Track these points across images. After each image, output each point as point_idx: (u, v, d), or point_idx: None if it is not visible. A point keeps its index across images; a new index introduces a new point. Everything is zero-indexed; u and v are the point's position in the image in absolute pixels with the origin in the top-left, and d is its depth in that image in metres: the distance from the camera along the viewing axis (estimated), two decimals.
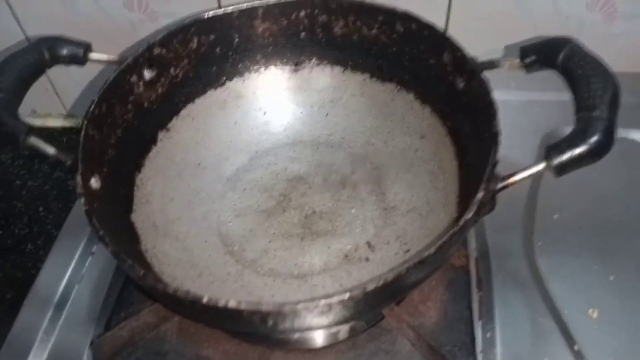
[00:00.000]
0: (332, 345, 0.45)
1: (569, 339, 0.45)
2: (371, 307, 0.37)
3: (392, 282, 0.34)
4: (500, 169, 0.39)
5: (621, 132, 0.58)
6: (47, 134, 0.81)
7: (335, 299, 0.33)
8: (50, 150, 0.42)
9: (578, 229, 0.52)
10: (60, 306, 0.50)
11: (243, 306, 0.33)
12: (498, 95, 0.62)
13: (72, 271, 0.52)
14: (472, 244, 0.51)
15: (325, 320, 0.35)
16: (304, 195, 0.52)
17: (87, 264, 0.53)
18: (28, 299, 0.51)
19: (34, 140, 0.42)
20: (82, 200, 0.39)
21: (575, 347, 0.45)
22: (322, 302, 0.33)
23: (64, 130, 0.81)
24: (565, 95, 0.42)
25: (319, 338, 0.46)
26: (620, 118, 0.60)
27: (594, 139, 0.36)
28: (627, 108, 0.61)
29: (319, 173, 0.54)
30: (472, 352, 0.44)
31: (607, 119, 0.37)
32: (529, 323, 0.46)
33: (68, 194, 0.72)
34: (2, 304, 0.60)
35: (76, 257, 0.53)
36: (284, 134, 0.57)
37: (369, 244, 0.48)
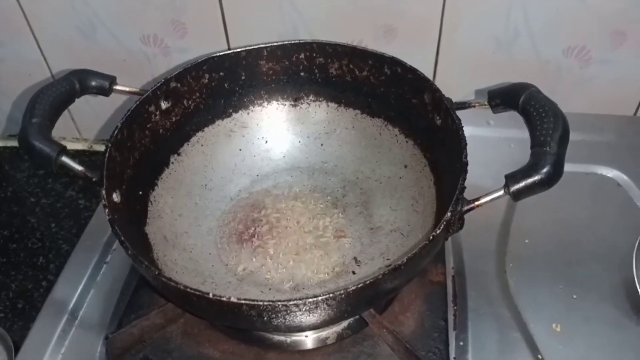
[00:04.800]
0: (321, 348, 0.52)
1: (534, 349, 0.52)
2: (353, 308, 0.44)
3: (370, 284, 0.41)
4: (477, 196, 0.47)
5: (590, 168, 0.68)
6: None
7: (321, 298, 0.40)
8: (79, 168, 0.50)
9: (546, 253, 0.60)
10: (76, 309, 0.58)
11: (243, 301, 0.40)
12: (478, 132, 0.72)
13: (87, 278, 0.59)
14: (450, 263, 0.59)
15: (313, 318, 0.42)
16: (299, 214, 0.60)
17: (101, 272, 0.60)
18: (47, 303, 0.58)
19: (65, 160, 0.50)
20: (106, 210, 0.47)
21: (539, 357, 0.52)
22: (310, 299, 0.40)
23: (76, 153, 0.90)
24: None
25: (309, 342, 0.53)
26: (588, 156, 0.69)
27: (545, 170, 0.44)
28: (595, 146, 0.71)
29: (314, 196, 0.62)
30: (446, 357, 0.50)
31: (556, 154, 0.44)
32: (498, 334, 0.54)
33: (79, 212, 0.81)
34: (15, 312, 0.68)
35: (91, 266, 0.60)
36: (283, 160, 0.65)
37: (355, 259, 0.56)
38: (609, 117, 0.74)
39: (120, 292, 0.58)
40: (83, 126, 0.90)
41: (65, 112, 0.89)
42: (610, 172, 0.67)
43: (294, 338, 0.53)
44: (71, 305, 0.58)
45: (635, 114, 0.77)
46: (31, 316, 0.65)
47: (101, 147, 0.91)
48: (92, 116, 0.87)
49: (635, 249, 0.56)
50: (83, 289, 0.59)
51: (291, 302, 0.40)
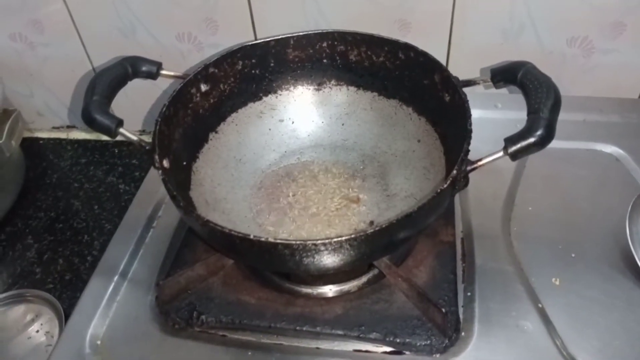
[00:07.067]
0: (343, 296, 0.60)
1: (535, 300, 0.60)
2: (371, 251, 0.52)
3: (386, 228, 0.49)
4: None
5: (590, 145, 0.76)
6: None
7: (344, 238, 0.49)
8: (134, 137, 0.59)
9: (548, 218, 0.67)
10: (126, 268, 0.67)
11: (279, 241, 0.49)
12: (487, 114, 0.80)
13: (136, 241, 0.69)
14: (459, 227, 0.67)
15: (337, 258, 0.50)
16: (323, 184, 0.69)
17: (149, 235, 0.69)
18: (101, 262, 0.67)
19: (122, 131, 0.59)
20: (159, 172, 0.56)
21: (539, 305, 0.59)
22: (335, 239, 0.49)
23: (115, 143, 1.00)
24: None
25: (331, 292, 0.61)
26: (589, 134, 0.77)
27: (538, 133, 0.51)
28: (596, 126, 0.78)
29: (336, 168, 0.70)
30: (455, 304, 0.58)
31: (548, 119, 0.52)
32: (502, 287, 0.61)
33: (119, 196, 0.90)
34: (63, 283, 0.77)
35: (140, 230, 0.69)
36: (308, 138, 0.74)
37: (372, 222, 0.64)
38: (610, 99, 0.81)
39: (167, 252, 0.67)
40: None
41: None
42: (609, 149, 0.74)
43: (319, 290, 0.61)
44: (122, 265, 0.67)
45: (639, 97, 0.84)
46: (78, 287, 0.75)
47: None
48: (131, 111, 0.97)
49: (629, 212, 0.63)
50: (132, 251, 0.68)
51: (319, 242, 0.48)
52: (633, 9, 0.75)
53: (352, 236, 0.49)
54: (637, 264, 0.60)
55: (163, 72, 0.67)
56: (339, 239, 0.48)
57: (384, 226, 0.49)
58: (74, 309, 0.63)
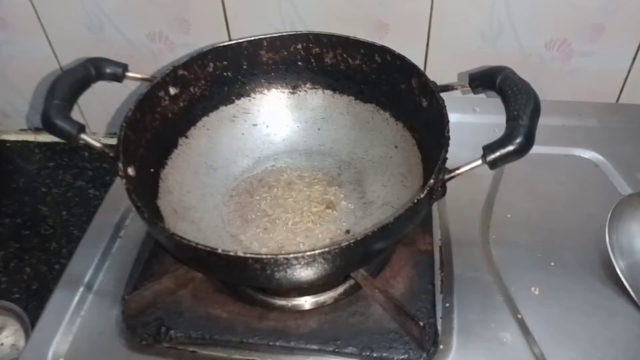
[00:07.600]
0: (318, 308, 0.57)
1: (514, 310, 0.58)
2: (346, 264, 0.49)
3: (361, 241, 0.47)
4: None
5: (569, 150, 0.75)
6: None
7: (317, 252, 0.46)
8: (97, 144, 0.56)
9: (527, 226, 0.66)
10: (92, 280, 0.63)
11: (249, 255, 0.46)
12: (465, 118, 0.78)
13: (102, 252, 0.65)
14: (438, 235, 0.65)
15: (310, 272, 0.48)
16: (298, 192, 0.66)
17: (115, 246, 0.66)
18: (64, 276, 0.64)
19: (84, 137, 0.56)
20: (123, 181, 0.53)
21: (519, 316, 0.58)
22: (308, 253, 0.46)
23: (86, 146, 0.95)
24: None
25: (307, 305, 0.58)
26: (566, 139, 0.76)
27: (518, 140, 0.49)
28: (575, 131, 0.77)
29: (311, 175, 0.68)
30: (433, 316, 0.56)
31: (527, 126, 0.50)
32: (481, 297, 0.59)
33: (89, 201, 0.87)
34: (29, 293, 0.74)
35: (106, 240, 0.66)
36: (283, 143, 0.71)
37: (348, 231, 0.62)
38: (588, 104, 0.80)
39: (134, 263, 0.63)
40: (92, 121, 0.96)
41: (76, 107, 0.96)
42: (588, 154, 0.73)
43: (294, 302, 0.59)
44: (87, 277, 0.63)
45: (617, 101, 0.83)
46: (45, 297, 0.70)
47: (110, 141, 0.97)
48: (100, 111, 0.93)
49: (608, 220, 0.61)
50: (98, 262, 0.64)
51: (291, 255, 0.46)
52: (612, 12, 0.74)
53: (326, 249, 0.46)
54: (617, 273, 0.58)
55: (129, 74, 0.63)
56: (312, 252, 0.46)
57: (359, 238, 0.47)
58: (36, 324, 0.59)
